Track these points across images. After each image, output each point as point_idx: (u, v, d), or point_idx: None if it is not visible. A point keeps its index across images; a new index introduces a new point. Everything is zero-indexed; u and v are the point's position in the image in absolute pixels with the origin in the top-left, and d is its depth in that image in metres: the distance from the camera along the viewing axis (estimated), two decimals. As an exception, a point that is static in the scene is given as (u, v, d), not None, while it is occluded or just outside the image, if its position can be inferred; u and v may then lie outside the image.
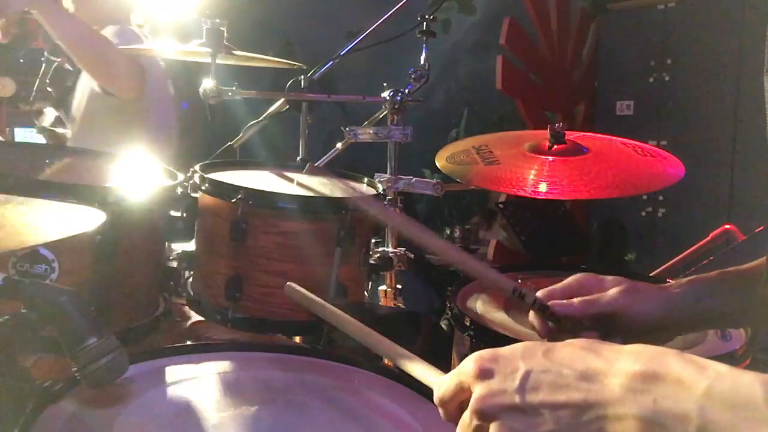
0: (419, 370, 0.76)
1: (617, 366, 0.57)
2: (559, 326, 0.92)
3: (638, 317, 0.90)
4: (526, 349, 0.63)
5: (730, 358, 1.06)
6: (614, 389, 0.56)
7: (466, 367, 0.65)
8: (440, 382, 0.68)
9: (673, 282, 0.97)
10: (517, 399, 0.60)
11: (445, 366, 0.73)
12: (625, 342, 0.62)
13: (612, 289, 0.92)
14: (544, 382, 0.59)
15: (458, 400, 0.66)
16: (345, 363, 1.09)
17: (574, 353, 0.60)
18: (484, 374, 0.62)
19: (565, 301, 0.91)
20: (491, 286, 0.93)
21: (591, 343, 0.61)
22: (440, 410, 0.68)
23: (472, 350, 1.10)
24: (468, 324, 1.15)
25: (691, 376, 0.52)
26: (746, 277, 0.94)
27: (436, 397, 0.69)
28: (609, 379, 0.56)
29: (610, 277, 0.94)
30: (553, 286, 0.95)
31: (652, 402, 0.53)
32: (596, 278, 0.95)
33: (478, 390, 0.62)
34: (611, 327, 0.91)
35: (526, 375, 0.60)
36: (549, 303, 0.91)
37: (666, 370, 0.54)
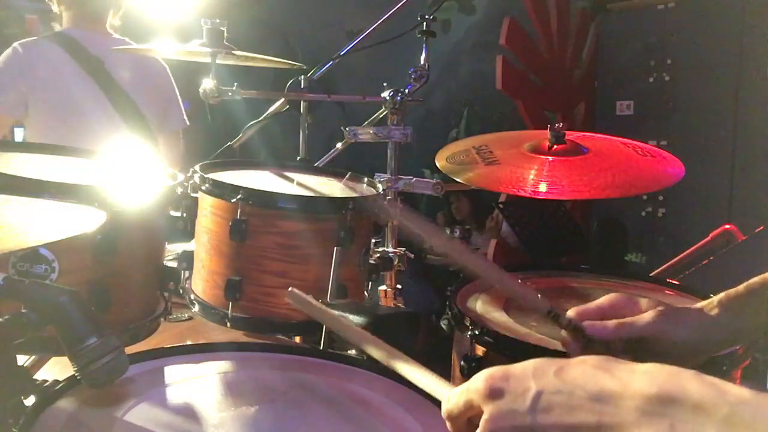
0: (426, 380, 0.75)
1: (632, 388, 0.55)
2: (590, 347, 0.87)
3: (674, 342, 0.86)
4: (537, 368, 0.62)
5: (730, 358, 1.06)
6: (629, 412, 0.55)
7: (476, 385, 0.64)
8: (449, 397, 0.67)
9: (705, 303, 0.92)
10: (528, 420, 0.59)
11: (445, 366, 0.73)
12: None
13: (648, 313, 0.87)
14: (556, 403, 0.58)
15: (467, 416, 0.65)
16: (345, 363, 1.09)
17: (587, 373, 0.59)
18: (495, 394, 0.62)
19: (599, 323, 0.87)
20: (525, 304, 0.90)
21: (604, 362, 0.60)
22: (448, 424, 0.68)
23: (472, 350, 1.10)
24: (468, 324, 1.15)
25: (711, 400, 0.51)
26: None
27: (444, 412, 0.68)
28: (623, 402, 0.55)
29: (644, 299, 0.90)
30: (586, 306, 0.90)
31: (669, 427, 0.52)
32: (630, 300, 0.90)
33: (489, 410, 0.62)
34: (644, 351, 0.87)
35: (537, 396, 0.59)
36: (583, 324, 0.88)
37: (684, 394, 0.53)
